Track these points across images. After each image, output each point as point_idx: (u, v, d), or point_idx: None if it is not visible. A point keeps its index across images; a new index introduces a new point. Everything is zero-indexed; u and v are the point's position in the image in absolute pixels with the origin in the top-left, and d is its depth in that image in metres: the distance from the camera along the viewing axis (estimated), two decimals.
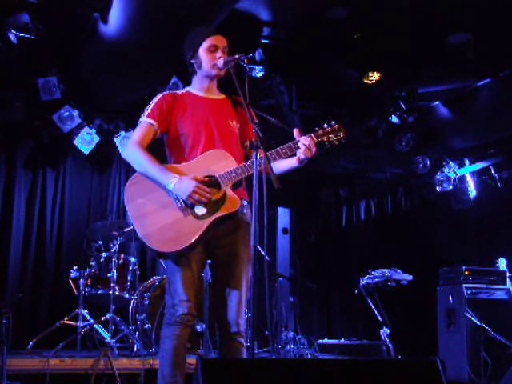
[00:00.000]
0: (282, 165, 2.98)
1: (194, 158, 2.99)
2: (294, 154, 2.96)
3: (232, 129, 3.09)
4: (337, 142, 3.01)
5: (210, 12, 4.61)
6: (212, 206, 2.88)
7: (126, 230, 5.49)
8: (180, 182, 2.84)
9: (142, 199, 2.92)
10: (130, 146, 3.01)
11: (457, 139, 7.30)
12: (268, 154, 2.81)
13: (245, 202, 3.03)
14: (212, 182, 2.91)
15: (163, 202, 2.90)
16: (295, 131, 2.96)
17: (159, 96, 3.10)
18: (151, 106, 3.06)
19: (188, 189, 2.83)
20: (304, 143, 2.90)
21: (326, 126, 3.01)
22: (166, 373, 2.85)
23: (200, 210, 2.87)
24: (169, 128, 3.06)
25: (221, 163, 2.95)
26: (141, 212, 2.89)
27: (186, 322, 2.88)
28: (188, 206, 2.87)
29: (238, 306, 2.94)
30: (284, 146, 2.96)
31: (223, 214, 2.89)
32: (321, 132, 2.99)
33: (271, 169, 2.68)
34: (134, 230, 2.94)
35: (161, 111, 3.04)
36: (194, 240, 2.84)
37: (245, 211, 3.03)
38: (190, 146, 3.02)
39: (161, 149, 3.14)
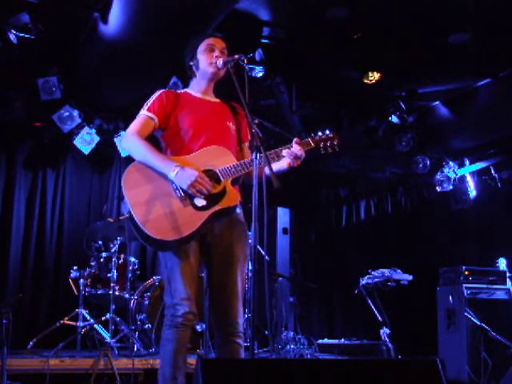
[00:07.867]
0: (276, 166, 3.00)
1: (192, 152, 2.97)
2: None
3: (230, 130, 3.10)
4: (331, 150, 3.12)
5: (210, 12, 4.61)
6: (212, 199, 2.86)
7: (121, 217, 5.47)
8: (182, 171, 2.81)
9: (140, 187, 2.86)
10: (128, 136, 2.97)
11: (457, 139, 7.29)
12: (267, 153, 2.81)
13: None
14: (212, 176, 2.90)
15: (163, 191, 2.85)
16: (294, 140, 3.02)
17: (160, 91, 3.08)
18: (151, 101, 3.04)
19: (190, 178, 2.79)
20: (294, 151, 2.98)
21: (320, 133, 3.11)
22: (167, 375, 2.84)
23: (200, 202, 2.84)
24: (167, 123, 3.03)
25: (221, 159, 2.95)
26: (139, 200, 2.83)
27: (187, 322, 2.84)
28: (188, 196, 2.84)
29: (236, 306, 2.93)
30: (282, 147, 3.01)
31: (224, 207, 2.88)
32: (317, 138, 3.10)
33: (271, 168, 2.69)
34: (129, 218, 2.86)
35: (161, 106, 3.01)
36: (192, 231, 2.80)
37: (238, 211, 3.04)
38: (189, 141, 3.00)
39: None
